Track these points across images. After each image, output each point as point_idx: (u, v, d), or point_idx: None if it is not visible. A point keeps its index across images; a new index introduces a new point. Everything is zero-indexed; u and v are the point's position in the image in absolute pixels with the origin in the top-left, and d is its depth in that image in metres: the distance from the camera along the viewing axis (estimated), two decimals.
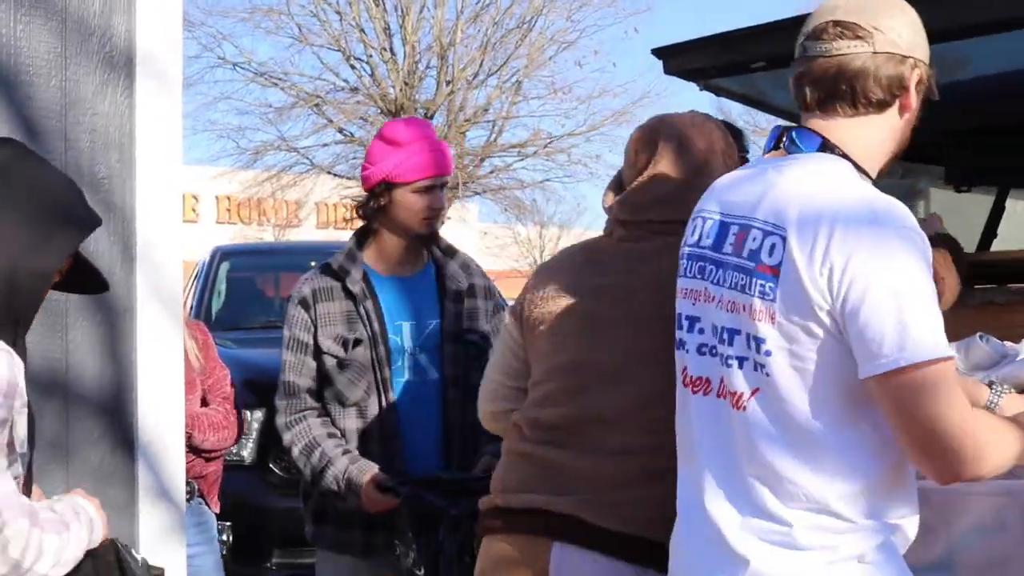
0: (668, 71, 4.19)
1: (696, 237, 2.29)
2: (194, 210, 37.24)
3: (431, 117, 25.71)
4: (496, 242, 38.19)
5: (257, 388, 5.96)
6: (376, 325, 3.58)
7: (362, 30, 25.91)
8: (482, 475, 3.37)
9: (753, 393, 2.12)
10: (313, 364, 3.60)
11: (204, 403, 4.07)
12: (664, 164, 2.70)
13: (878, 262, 2.00)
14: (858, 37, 2.16)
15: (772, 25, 3.77)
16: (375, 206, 3.60)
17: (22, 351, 2.22)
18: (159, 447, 3.13)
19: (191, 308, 8.48)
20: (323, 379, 3.60)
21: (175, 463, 3.18)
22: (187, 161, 29.29)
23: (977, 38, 3.76)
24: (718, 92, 4.42)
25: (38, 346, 2.77)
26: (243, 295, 8.74)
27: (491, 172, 27.73)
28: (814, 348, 2.05)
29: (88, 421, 3.04)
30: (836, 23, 2.19)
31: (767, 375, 2.10)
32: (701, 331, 2.24)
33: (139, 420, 3.10)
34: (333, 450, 3.52)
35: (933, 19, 3.47)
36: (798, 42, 2.25)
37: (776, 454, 2.09)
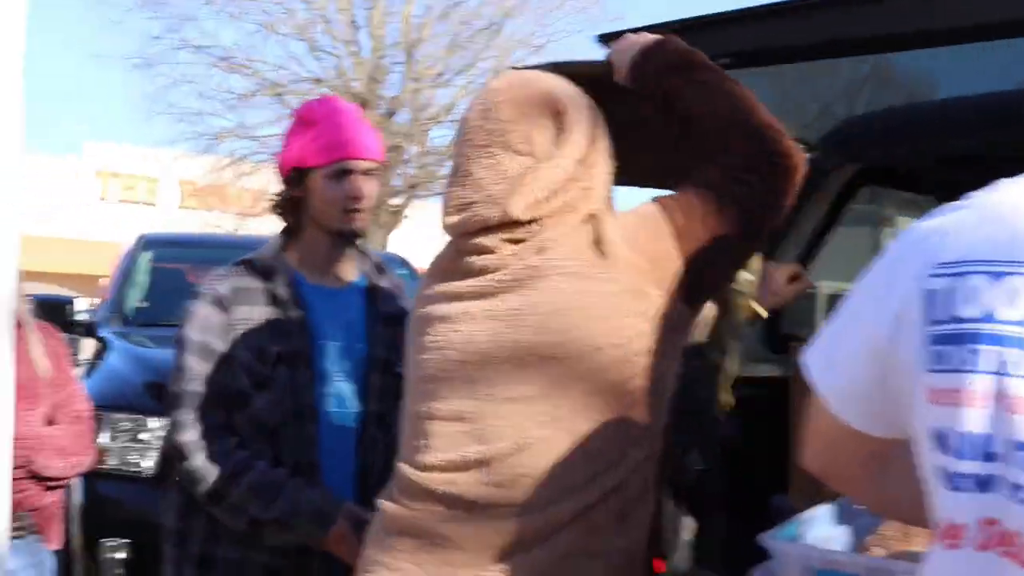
0: None
1: None
2: (153, 193, 36.53)
3: (394, 114, 25.25)
4: None
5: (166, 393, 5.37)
6: (302, 340, 2.95)
7: (328, 21, 25.38)
8: None
9: None
10: (223, 377, 2.91)
11: (51, 422, 3.46)
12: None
13: None
14: None
15: (743, 12, 3.07)
16: (290, 197, 3.03)
17: None
18: None
19: (106, 300, 7.80)
20: (234, 397, 2.92)
21: None
22: (145, 142, 28.94)
23: (966, 44, 2.80)
24: None
25: None
26: (167, 289, 7.53)
27: None
28: None
29: None
30: None
31: None
32: None
33: None
34: (276, 473, 2.84)
35: (910, 20, 2.77)
36: None
37: None
